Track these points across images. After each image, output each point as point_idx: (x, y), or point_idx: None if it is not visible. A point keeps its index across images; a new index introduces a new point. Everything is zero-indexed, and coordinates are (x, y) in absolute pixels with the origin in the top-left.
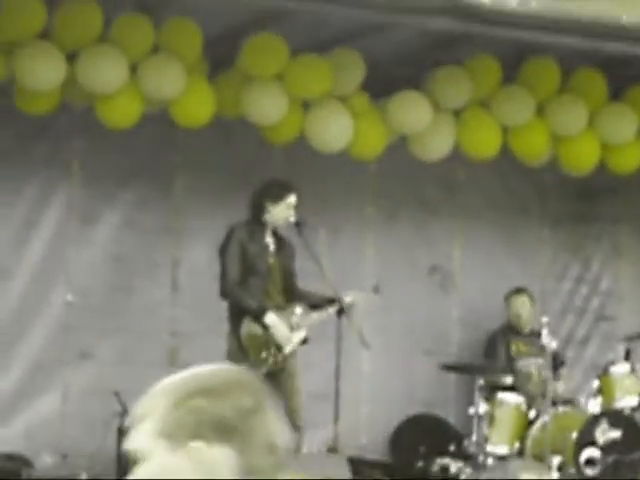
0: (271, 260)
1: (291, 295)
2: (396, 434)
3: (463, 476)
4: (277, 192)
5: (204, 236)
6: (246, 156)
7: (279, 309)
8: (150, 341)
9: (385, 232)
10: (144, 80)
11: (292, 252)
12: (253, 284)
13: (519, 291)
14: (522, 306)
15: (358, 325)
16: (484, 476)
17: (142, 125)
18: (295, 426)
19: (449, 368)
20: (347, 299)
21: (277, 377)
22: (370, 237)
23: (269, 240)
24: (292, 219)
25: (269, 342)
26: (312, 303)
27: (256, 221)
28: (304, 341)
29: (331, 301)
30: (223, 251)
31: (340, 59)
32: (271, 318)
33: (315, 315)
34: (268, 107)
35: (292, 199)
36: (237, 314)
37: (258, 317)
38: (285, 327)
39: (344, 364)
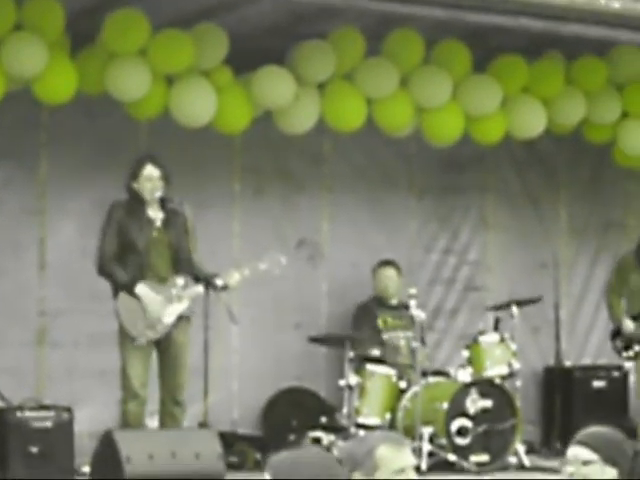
0: (155, 234)
1: (179, 267)
2: (267, 408)
3: (335, 449)
4: (134, 168)
5: (70, 215)
6: (111, 133)
7: (161, 281)
8: (19, 321)
9: (252, 206)
10: (6, 58)
11: (183, 223)
12: (131, 260)
13: (386, 263)
14: (389, 279)
15: (226, 300)
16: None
17: (5, 104)
18: (179, 402)
19: (318, 340)
20: (261, 266)
21: (164, 350)
22: (237, 212)
23: (154, 215)
24: (157, 194)
25: (145, 314)
26: (198, 276)
27: (135, 198)
28: (189, 313)
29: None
30: (102, 229)
31: (203, 34)
32: (141, 289)
33: (199, 287)
34: (131, 83)
35: (148, 171)
36: (116, 290)
37: (129, 289)
38: (158, 297)
39: (213, 339)
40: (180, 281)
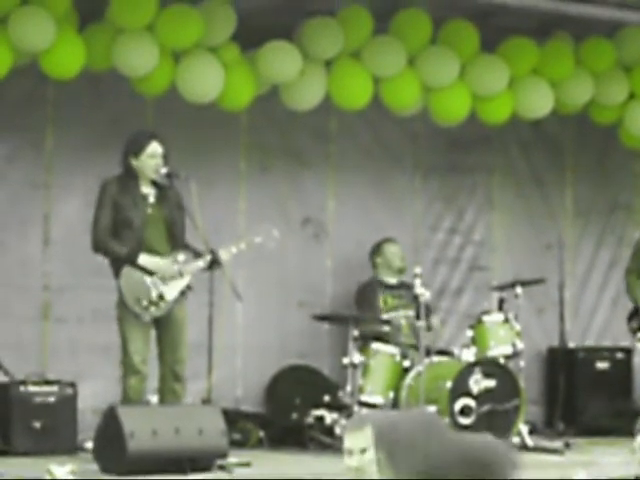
0: (150, 210)
1: (175, 243)
2: (271, 386)
3: (338, 427)
4: (137, 145)
5: (75, 190)
6: (117, 109)
7: (162, 257)
8: (23, 296)
9: (258, 184)
10: (13, 32)
11: (177, 200)
12: (127, 236)
13: (388, 240)
14: (395, 254)
15: (231, 277)
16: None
17: (12, 79)
18: (179, 377)
19: (322, 319)
20: (256, 239)
21: (164, 326)
22: (243, 190)
23: (147, 191)
24: (163, 170)
25: (149, 290)
26: (197, 252)
27: (128, 174)
28: (188, 288)
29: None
30: (96, 206)
31: (210, 10)
32: (144, 259)
33: (200, 262)
34: (138, 58)
35: (153, 148)
36: (116, 267)
37: (132, 261)
38: (162, 262)
39: (217, 316)
40: (181, 257)
